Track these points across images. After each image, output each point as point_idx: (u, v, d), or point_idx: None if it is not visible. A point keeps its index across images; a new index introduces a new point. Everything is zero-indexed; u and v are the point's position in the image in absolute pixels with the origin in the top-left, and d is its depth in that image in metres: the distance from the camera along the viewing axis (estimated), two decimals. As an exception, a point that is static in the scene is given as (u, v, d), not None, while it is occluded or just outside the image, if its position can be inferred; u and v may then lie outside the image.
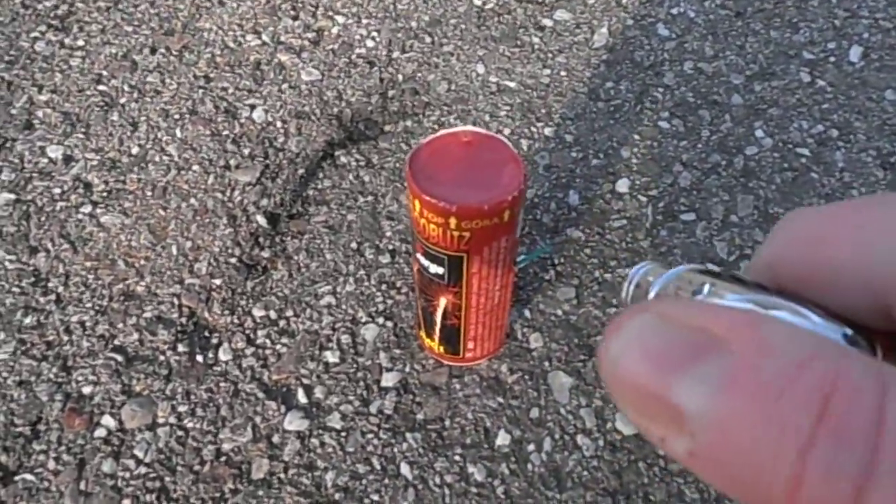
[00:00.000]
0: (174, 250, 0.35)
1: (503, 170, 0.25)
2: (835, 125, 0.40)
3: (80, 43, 0.45)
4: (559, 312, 0.32)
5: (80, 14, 0.47)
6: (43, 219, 0.36)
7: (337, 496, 0.27)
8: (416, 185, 0.24)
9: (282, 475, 0.28)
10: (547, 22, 0.46)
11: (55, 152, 0.39)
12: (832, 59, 0.44)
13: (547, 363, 0.31)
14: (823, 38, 0.45)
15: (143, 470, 0.28)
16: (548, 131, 0.40)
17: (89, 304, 0.33)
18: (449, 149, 0.26)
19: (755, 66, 0.43)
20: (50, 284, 0.34)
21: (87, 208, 0.37)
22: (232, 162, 0.39)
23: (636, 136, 0.40)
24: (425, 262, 0.26)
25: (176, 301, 0.33)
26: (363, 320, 0.32)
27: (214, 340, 0.32)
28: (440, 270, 0.26)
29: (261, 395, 0.30)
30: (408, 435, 0.29)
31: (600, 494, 0.27)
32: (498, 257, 0.26)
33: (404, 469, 0.28)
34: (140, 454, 0.28)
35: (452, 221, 0.24)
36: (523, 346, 0.31)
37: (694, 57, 0.44)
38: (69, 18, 0.47)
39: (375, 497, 0.27)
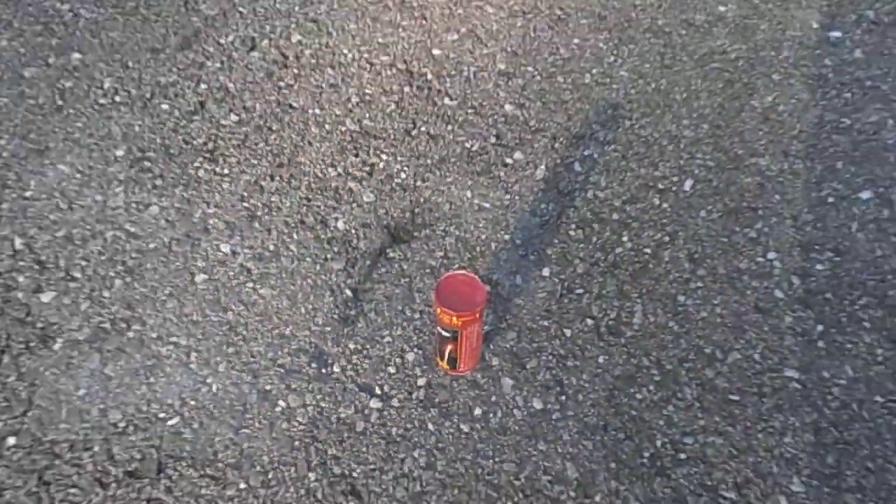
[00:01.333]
0: (301, 309, 0.63)
1: (476, 293, 0.54)
2: (668, 234, 0.69)
3: (226, 171, 0.73)
4: (507, 345, 0.62)
5: (222, 149, 0.74)
6: (227, 291, 0.64)
7: (398, 438, 0.57)
8: (438, 301, 0.53)
9: (370, 428, 0.57)
10: (508, 160, 0.74)
11: (225, 248, 0.67)
12: (673, 188, 0.73)
13: (500, 373, 0.60)
14: (671, 173, 0.74)
15: (305, 428, 0.57)
16: (506, 237, 0.69)
17: (261, 341, 0.61)
18: (453, 281, 0.54)
19: (636, 192, 0.72)
20: (237, 331, 0.62)
21: (250, 284, 0.65)
22: (328, 255, 0.67)
23: (555, 241, 0.68)
24: (441, 331, 0.55)
25: (307, 339, 0.62)
26: (406, 350, 0.61)
27: (330, 360, 0.60)
28: (448, 335, 0.55)
29: (357, 389, 0.59)
30: (431, 409, 0.58)
31: (524, 438, 0.57)
32: (475, 329, 0.55)
33: (430, 426, 0.57)
34: (300, 419, 0.57)
35: (455, 318, 0.53)
36: (488, 364, 0.61)
37: (593, 187, 0.72)
38: (215, 152, 0.74)
39: (416, 438, 0.57)
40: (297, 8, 0.91)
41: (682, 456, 0.54)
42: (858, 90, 0.82)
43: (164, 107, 0.78)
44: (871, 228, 0.69)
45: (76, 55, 0.83)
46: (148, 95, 0.79)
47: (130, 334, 0.61)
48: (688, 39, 0.88)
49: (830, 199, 0.72)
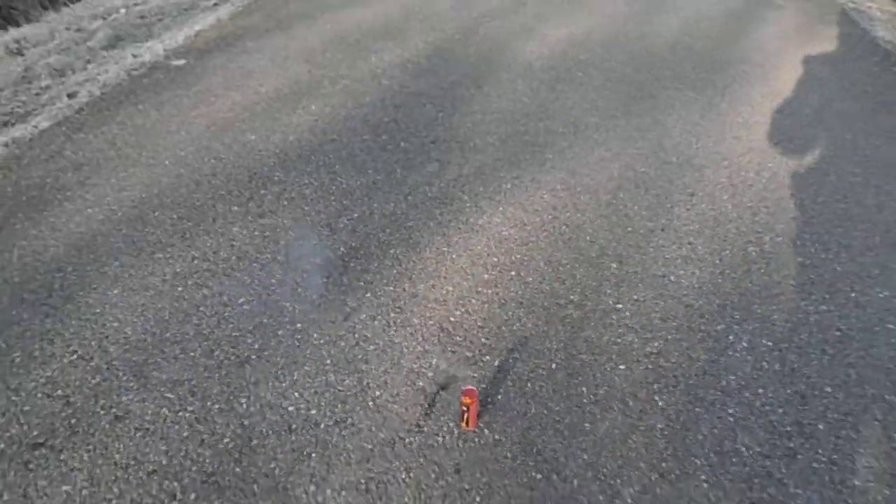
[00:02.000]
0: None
1: (474, 398, 1.24)
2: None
3: None
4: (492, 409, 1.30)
5: None
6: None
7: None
8: (463, 395, 1.23)
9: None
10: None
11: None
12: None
13: (489, 428, 1.28)
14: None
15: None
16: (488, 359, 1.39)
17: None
18: (469, 392, 1.25)
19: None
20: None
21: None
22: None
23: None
24: (460, 407, 1.25)
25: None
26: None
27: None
28: (463, 409, 1.25)
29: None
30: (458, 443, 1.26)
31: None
32: (475, 404, 1.25)
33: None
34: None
35: (467, 400, 1.23)
36: (481, 421, 1.29)
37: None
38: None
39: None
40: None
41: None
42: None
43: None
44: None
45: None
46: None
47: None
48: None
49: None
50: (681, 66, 2.81)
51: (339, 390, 1.33)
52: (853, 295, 1.60)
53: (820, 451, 1.23)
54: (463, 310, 1.54)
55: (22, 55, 3.09)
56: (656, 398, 1.33)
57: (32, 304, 1.53)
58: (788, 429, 1.27)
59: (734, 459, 1.21)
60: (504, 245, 1.74)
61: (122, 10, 3.58)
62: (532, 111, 2.42)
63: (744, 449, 1.23)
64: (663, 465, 1.20)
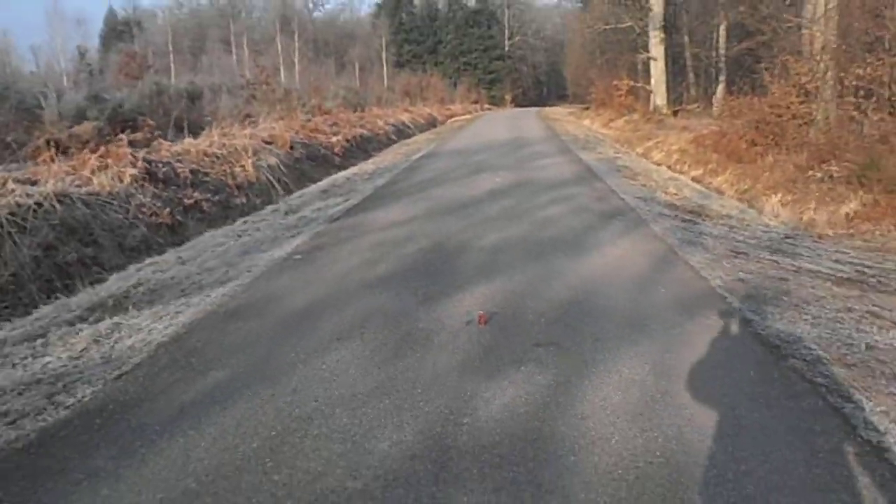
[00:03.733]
0: None
1: (483, 316, 3.42)
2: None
3: None
4: None
5: None
6: None
7: None
8: (479, 315, 3.41)
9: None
10: None
11: None
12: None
13: None
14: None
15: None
16: None
17: None
18: (481, 315, 3.42)
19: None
20: None
21: None
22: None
23: None
24: (478, 319, 3.41)
25: None
26: None
27: None
28: (479, 319, 3.39)
29: None
30: None
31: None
32: (484, 318, 3.40)
33: None
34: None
35: (481, 317, 3.40)
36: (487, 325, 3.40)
37: None
38: None
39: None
40: None
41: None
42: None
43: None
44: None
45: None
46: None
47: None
48: None
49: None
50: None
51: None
52: None
53: None
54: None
55: (184, 264, 5.43)
56: None
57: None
58: None
59: None
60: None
61: (239, 238, 6.10)
62: (486, 261, 4.91)
63: None
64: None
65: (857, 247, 6.58)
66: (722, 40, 21.29)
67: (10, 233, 6.17)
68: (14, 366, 3.11)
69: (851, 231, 7.35)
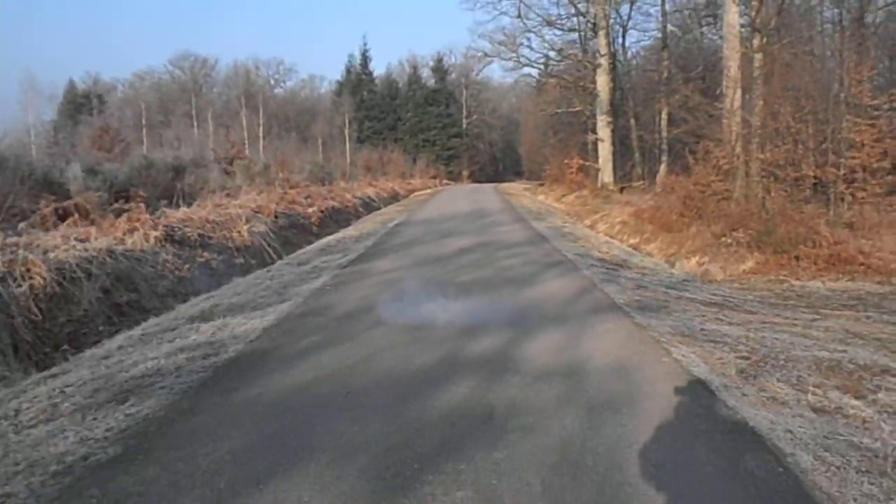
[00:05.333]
0: None
1: None
2: None
3: None
4: None
5: None
6: None
7: None
8: None
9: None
10: None
11: None
12: None
13: None
14: None
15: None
16: None
17: None
18: None
19: None
20: None
21: None
22: None
23: None
24: None
25: None
26: None
27: None
28: None
29: None
30: None
31: None
32: None
33: None
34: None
35: None
36: None
37: None
38: None
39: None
40: None
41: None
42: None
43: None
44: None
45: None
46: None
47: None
48: None
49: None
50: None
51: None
52: None
53: None
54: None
55: (239, 295, 7.65)
56: None
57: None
58: None
59: None
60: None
61: (272, 280, 8.37)
62: (463, 288, 7.35)
63: None
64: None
65: (734, 287, 9.42)
66: (664, 124, 24.71)
67: (80, 277, 8.32)
68: (170, 341, 5.26)
69: (733, 278, 10.25)
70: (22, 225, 8.24)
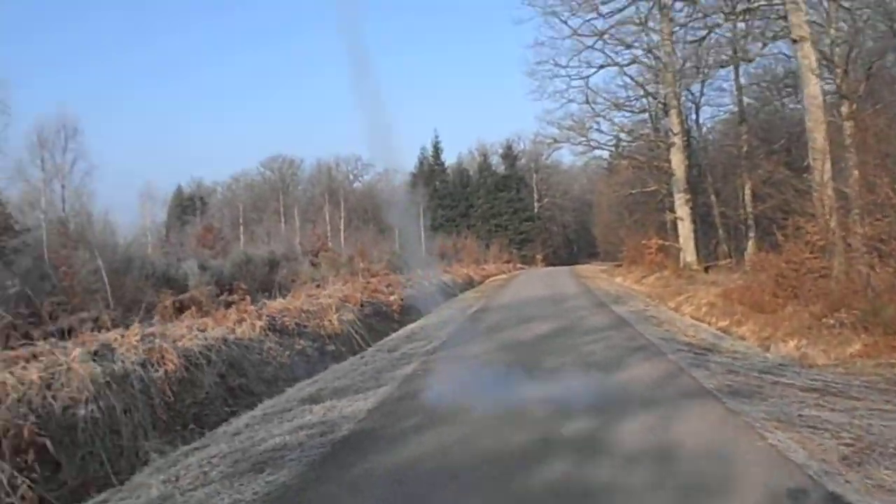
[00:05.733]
0: None
1: None
2: None
3: None
4: None
5: None
6: None
7: None
8: None
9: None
10: None
11: None
12: None
13: None
14: None
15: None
16: None
17: None
18: None
19: None
20: None
21: None
22: None
23: None
24: None
25: None
26: None
27: None
28: None
29: None
30: None
31: None
32: None
33: None
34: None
35: None
36: None
37: None
38: None
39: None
40: None
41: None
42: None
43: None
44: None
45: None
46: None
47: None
48: None
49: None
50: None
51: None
52: None
53: None
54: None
55: (339, 379, 8.34)
56: None
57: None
58: None
59: None
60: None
61: (366, 366, 9.05)
62: (552, 374, 7.67)
63: None
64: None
65: (837, 372, 9.12)
66: (748, 199, 23.46)
67: (202, 364, 9.34)
68: (290, 420, 5.94)
69: (836, 362, 9.90)
70: (157, 318, 9.47)
